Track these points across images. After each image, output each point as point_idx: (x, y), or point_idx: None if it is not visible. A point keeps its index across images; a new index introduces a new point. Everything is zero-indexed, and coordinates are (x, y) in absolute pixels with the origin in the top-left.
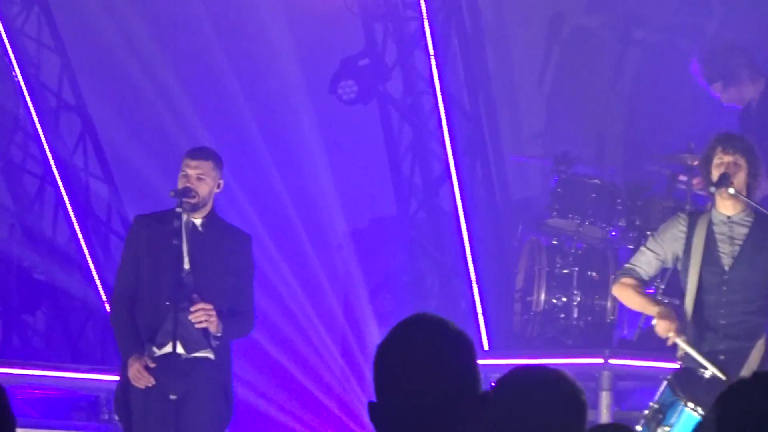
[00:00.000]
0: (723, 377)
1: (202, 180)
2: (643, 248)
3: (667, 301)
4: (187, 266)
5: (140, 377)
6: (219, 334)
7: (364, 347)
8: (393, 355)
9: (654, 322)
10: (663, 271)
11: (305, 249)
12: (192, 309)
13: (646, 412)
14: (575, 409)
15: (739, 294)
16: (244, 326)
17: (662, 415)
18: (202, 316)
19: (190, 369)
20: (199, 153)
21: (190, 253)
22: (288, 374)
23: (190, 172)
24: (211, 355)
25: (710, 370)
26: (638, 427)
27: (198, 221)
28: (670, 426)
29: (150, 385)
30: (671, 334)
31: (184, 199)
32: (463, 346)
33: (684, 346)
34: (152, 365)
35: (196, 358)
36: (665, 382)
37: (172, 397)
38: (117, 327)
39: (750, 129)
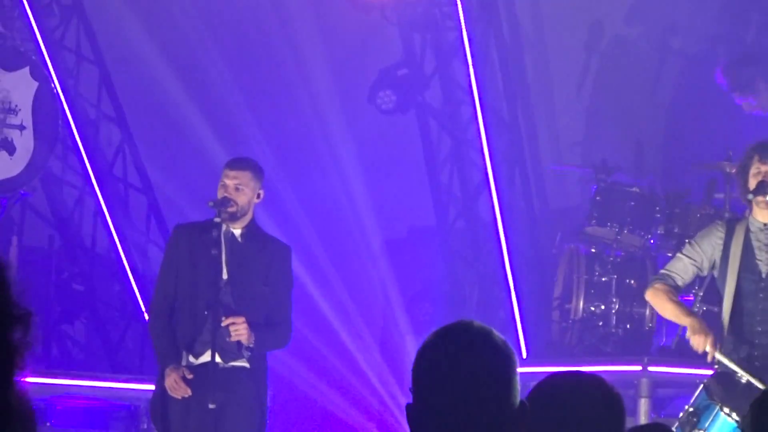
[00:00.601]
0: (761, 386)
1: (241, 190)
2: (679, 255)
3: (705, 308)
4: (225, 276)
5: (177, 387)
6: (251, 345)
7: (402, 355)
8: (433, 358)
9: (688, 336)
10: (701, 279)
11: (343, 258)
12: (223, 324)
13: (681, 415)
14: (613, 414)
15: None
16: (279, 338)
17: (697, 418)
18: (232, 329)
19: (227, 378)
20: (238, 163)
21: (229, 263)
22: (333, 374)
23: (229, 182)
24: (247, 365)
25: (747, 378)
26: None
27: (237, 231)
28: (704, 430)
29: (186, 395)
30: (708, 348)
31: (223, 209)
32: (505, 355)
33: (723, 360)
34: (189, 376)
35: (233, 367)
36: (701, 386)
37: (211, 406)
38: (155, 336)
39: None
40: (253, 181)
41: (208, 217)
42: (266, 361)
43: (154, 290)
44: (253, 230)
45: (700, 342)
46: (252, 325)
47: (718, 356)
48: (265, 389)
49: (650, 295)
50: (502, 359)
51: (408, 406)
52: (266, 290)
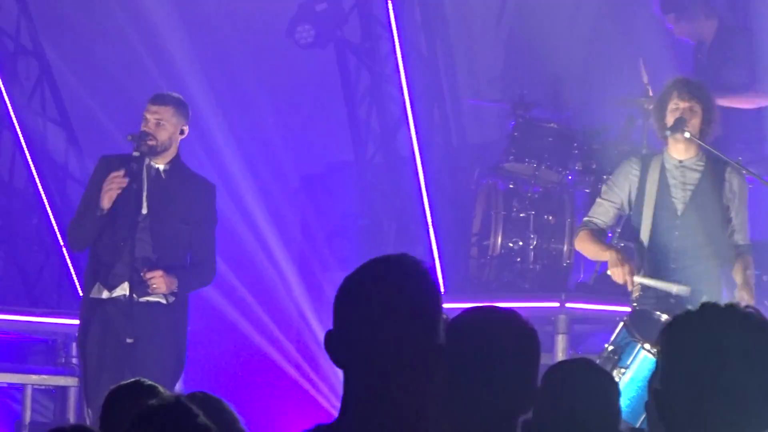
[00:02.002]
0: (687, 289)
1: (162, 125)
2: (599, 199)
3: (623, 244)
4: (144, 211)
5: (114, 177)
6: (175, 290)
7: (319, 289)
8: (360, 288)
9: (609, 271)
10: (621, 218)
11: (260, 194)
12: (143, 276)
13: (601, 353)
14: (527, 349)
15: (690, 239)
16: (202, 277)
17: (618, 356)
18: (150, 282)
19: (143, 313)
20: (160, 99)
21: (149, 198)
22: (251, 313)
23: (150, 116)
24: (163, 300)
25: (675, 289)
26: None
27: (161, 167)
28: (626, 367)
29: (124, 185)
30: (627, 278)
31: (142, 143)
32: (434, 294)
33: (644, 281)
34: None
35: (148, 302)
36: (621, 324)
37: (129, 340)
38: (77, 233)
39: (702, 69)
40: (175, 117)
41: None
42: (186, 296)
43: (75, 214)
44: (177, 166)
45: (618, 273)
46: (173, 269)
47: (638, 279)
48: (184, 324)
49: (577, 244)
50: (430, 297)
51: (327, 334)
52: (186, 228)
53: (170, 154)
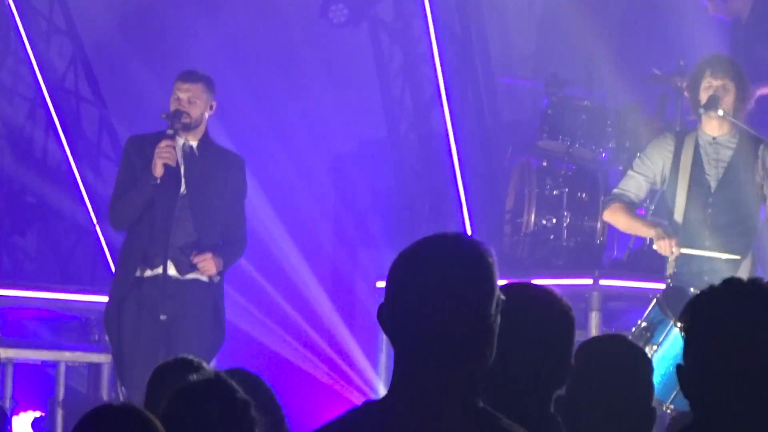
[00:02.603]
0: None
1: (194, 103)
2: (631, 172)
3: (657, 222)
4: (183, 188)
5: (166, 145)
6: (221, 269)
7: (354, 268)
8: (412, 263)
9: (655, 246)
10: (652, 192)
11: (294, 171)
12: (192, 261)
13: (634, 330)
14: (562, 326)
15: (724, 216)
16: (239, 252)
17: (650, 333)
18: (201, 266)
19: (181, 290)
20: (190, 76)
21: (187, 175)
22: (276, 299)
23: (182, 95)
24: (203, 278)
25: (725, 256)
26: None
27: (194, 144)
28: (658, 344)
29: (173, 163)
30: (674, 250)
31: (176, 121)
32: (485, 275)
33: (687, 251)
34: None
35: (187, 279)
36: (654, 301)
37: (163, 317)
38: (120, 204)
39: (739, 46)
40: (205, 93)
41: (160, 129)
42: (223, 274)
43: (113, 194)
44: (207, 143)
45: (666, 245)
46: (217, 248)
47: (687, 251)
48: (222, 301)
49: (609, 216)
50: (483, 277)
51: (380, 306)
52: (223, 203)
53: (200, 130)
